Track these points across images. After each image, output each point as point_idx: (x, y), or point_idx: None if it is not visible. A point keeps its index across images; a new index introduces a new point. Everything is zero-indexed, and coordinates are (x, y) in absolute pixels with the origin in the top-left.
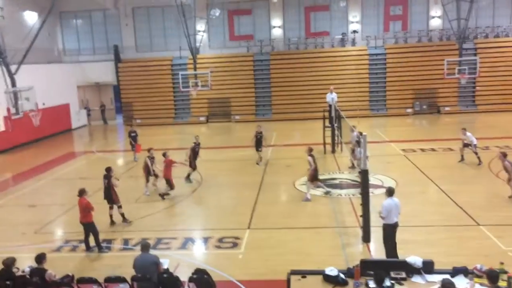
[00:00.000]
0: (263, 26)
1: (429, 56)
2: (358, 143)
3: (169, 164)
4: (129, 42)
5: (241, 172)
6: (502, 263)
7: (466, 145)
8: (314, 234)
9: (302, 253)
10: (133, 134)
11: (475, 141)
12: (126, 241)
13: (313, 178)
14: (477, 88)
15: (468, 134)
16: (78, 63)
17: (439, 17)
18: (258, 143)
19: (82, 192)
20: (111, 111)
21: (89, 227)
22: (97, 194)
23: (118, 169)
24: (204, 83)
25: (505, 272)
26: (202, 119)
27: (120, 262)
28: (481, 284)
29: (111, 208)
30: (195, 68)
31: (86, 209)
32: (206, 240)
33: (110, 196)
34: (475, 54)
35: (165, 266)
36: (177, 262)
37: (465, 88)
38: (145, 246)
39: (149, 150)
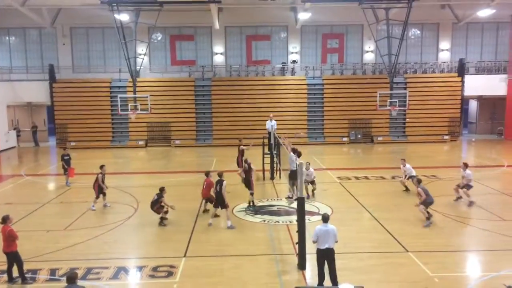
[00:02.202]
0: (205, 52)
1: (363, 88)
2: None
3: (210, 185)
4: (66, 62)
5: (179, 198)
6: None
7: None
8: (251, 262)
9: (238, 281)
10: (66, 158)
11: (413, 173)
12: (53, 271)
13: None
14: (407, 119)
15: (408, 166)
16: (9, 82)
17: (372, 51)
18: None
19: (5, 219)
20: (44, 133)
21: (13, 257)
22: (23, 220)
23: (48, 194)
24: (144, 106)
25: None
26: (141, 143)
27: None
28: None
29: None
30: (134, 91)
31: (9, 238)
32: (140, 269)
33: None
34: (405, 88)
35: None
36: None
37: (396, 120)
38: (71, 277)
39: (101, 167)
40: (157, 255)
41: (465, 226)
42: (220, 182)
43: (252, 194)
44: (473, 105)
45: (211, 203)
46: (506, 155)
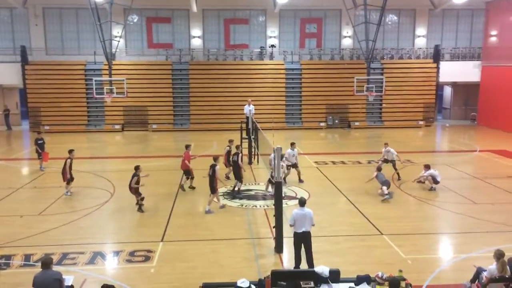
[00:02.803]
0: (182, 35)
1: (341, 74)
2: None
3: (186, 158)
4: (39, 43)
5: (156, 182)
6: (401, 271)
7: (386, 161)
8: (229, 246)
9: (216, 265)
10: (40, 142)
11: (392, 156)
12: (27, 257)
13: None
14: (383, 105)
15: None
16: None
17: (350, 37)
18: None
19: None
20: (16, 116)
21: None
22: None
23: (22, 179)
24: (120, 90)
25: (404, 279)
26: (117, 127)
27: (20, 280)
28: None
29: None
30: (110, 74)
31: None
32: (116, 254)
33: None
34: (381, 74)
35: (69, 283)
36: (84, 278)
37: (373, 105)
38: (45, 262)
39: (70, 151)
40: (134, 239)
41: (438, 209)
42: (213, 166)
43: (241, 182)
44: (447, 91)
45: (187, 176)
46: (478, 140)
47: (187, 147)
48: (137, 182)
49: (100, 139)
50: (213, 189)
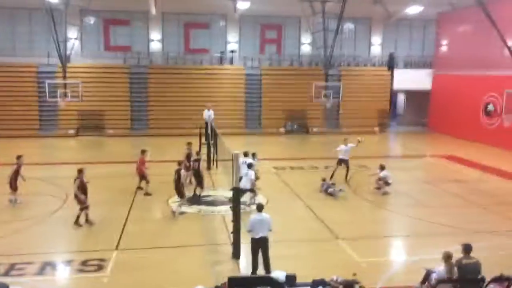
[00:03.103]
0: (141, 38)
1: (300, 80)
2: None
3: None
4: None
5: (111, 189)
6: (354, 274)
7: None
8: (185, 253)
9: (172, 273)
10: None
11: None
12: None
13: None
14: (341, 111)
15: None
16: None
17: (309, 44)
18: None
19: None
20: None
21: None
22: None
23: None
24: (74, 93)
25: (357, 283)
26: (71, 132)
27: None
28: None
29: None
30: (64, 77)
31: None
32: (67, 263)
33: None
34: (339, 80)
35: None
36: None
37: (331, 111)
38: None
39: (18, 157)
40: (86, 248)
41: (391, 213)
42: (178, 171)
43: (202, 188)
44: (401, 98)
45: (143, 180)
46: (429, 146)
47: (143, 152)
48: (82, 188)
49: (53, 145)
50: (181, 194)
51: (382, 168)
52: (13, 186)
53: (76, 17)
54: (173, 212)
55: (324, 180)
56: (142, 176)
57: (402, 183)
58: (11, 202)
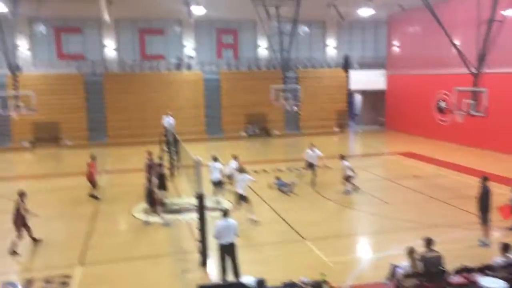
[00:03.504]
0: (95, 46)
1: (258, 83)
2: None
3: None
4: None
5: (72, 202)
6: (323, 274)
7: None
8: (153, 263)
9: (140, 285)
10: None
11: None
12: None
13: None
14: (300, 113)
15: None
16: None
17: (266, 47)
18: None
19: None
20: None
21: None
22: None
23: None
24: (28, 104)
25: (325, 282)
26: (26, 144)
27: None
28: None
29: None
30: (16, 88)
31: None
32: (28, 283)
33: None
34: (297, 83)
35: None
36: None
37: (291, 113)
38: None
39: None
40: (48, 265)
41: (354, 211)
42: (149, 179)
43: (166, 191)
44: (358, 98)
45: (92, 185)
46: (387, 144)
47: (93, 158)
48: (20, 214)
49: (5, 158)
50: (154, 202)
51: (342, 157)
52: None
53: (25, 25)
54: (147, 222)
55: (278, 178)
56: (92, 182)
57: (364, 182)
58: None
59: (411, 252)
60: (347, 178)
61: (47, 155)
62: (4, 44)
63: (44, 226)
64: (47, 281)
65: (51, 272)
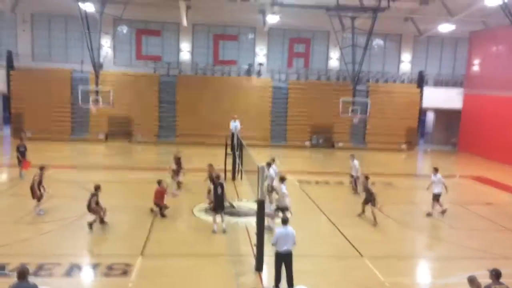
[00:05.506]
0: (171, 49)
1: (327, 94)
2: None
3: (157, 193)
4: (26, 49)
5: (137, 195)
6: None
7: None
8: (208, 263)
9: (194, 282)
10: (21, 149)
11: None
12: (2, 266)
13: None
14: (368, 127)
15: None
16: None
17: (337, 58)
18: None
19: None
20: None
21: None
22: None
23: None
24: (106, 100)
25: None
26: (101, 137)
27: None
28: None
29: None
30: (97, 84)
31: None
32: (94, 266)
33: None
34: (367, 96)
35: None
36: None
37: (357, 127)
38: (22, 273)
39: (41, 168)
40: (112, 252)
41: (417, 233)
42: (221, 185)
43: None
44: (430, 116)
45: (158, 207)
46: (458, 166)
47: (159, 183)
48: (97, 203)
49: (83, 149)
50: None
51: (436, 170)
52: (36, 196)
53: (110, 26)
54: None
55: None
56: (156, 204)
57: (430, 204)
58: (39, 214)
59: (472, 280)
60: (437, 198)
61: (119, 148)
62: (90, 42)
63: (111, 215)
64: (110, 267)
65: (115, 259)
